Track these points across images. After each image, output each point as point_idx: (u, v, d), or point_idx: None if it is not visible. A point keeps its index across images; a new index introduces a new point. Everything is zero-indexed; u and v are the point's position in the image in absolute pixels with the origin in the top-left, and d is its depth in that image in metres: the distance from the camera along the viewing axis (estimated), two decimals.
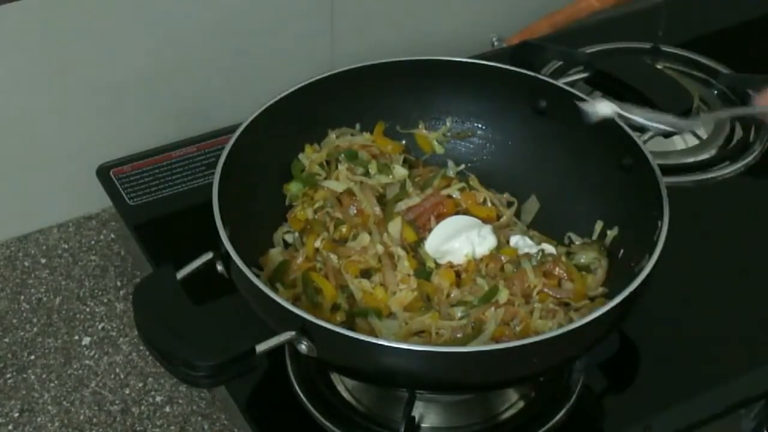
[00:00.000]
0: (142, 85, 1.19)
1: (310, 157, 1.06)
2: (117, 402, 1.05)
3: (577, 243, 1.03)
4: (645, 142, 1.00)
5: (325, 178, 1.05)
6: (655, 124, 0.98)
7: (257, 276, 0.91)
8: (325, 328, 0.84)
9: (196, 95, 1.23)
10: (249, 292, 0.89)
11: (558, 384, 0.99)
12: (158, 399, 1.05)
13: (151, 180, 1.18)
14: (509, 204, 1.06)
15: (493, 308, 0.94)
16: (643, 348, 1.04)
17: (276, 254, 1.00)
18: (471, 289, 0.97)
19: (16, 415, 1.04)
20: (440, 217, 1.03)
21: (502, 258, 0.99)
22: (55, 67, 1.13)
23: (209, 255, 0.91)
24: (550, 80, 1.08)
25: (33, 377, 1.07)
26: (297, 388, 0.99)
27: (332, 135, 1.07)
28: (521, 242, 1.01)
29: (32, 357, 1.08)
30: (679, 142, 1.25)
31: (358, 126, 1.09)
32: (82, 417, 1.03)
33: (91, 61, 1.15)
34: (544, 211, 1.06)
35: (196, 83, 1.22)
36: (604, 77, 1.10)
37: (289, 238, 1.03)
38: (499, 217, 1.05)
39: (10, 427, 1.03)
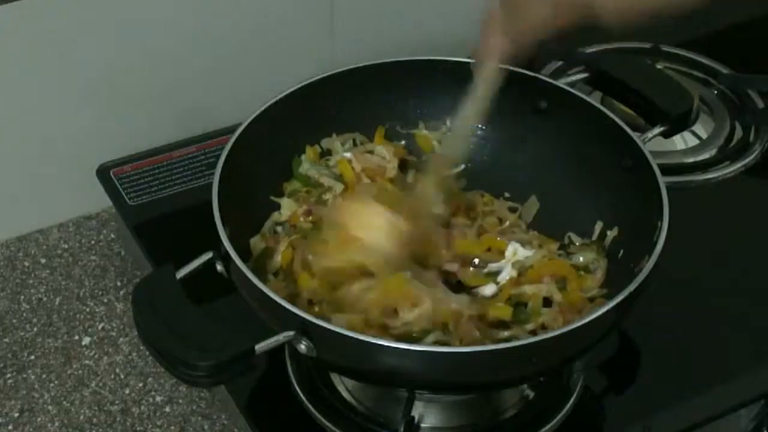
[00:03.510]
0: (142, 85, 1.19)
1: (309, 159, 1.06)
2: (117, 402, 1.05)
3: (577, 243, 1.03)
4: (645, 142, 1.00)
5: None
6: None
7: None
8: (325, 328, 0.84)
9: (196, 95, 1.23)
10: (249, 292, 0.89)
11: (558, 384, 0.99)
12: (158, 399, 1.05)
13: (151, 180, 1.18)
14: (511, 210, 1.06)
15: None
16: (643, 348, 1.04)
17: (257, 242, 1.00)
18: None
19: (16, 415, 1.04)
20: None
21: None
22: (55, 66, 1.13)
23: (209, 255, 0.91)
24: (550, 80, 1.08)
25: (33, 377, 1.07)
26: (297, 388, 0.99)
27: (335, 137, 1.08)
28: (520, 250, 1.01)
29: (32, 357, 1.08)
30: (679, 142, 1.25)
31: (357, 134, 1.09)
32: (82, 417, 1.03)
33: (91, 61, 1.15)
34: (544, 211, 1.06)
35: (196, 83, 1.22)
36: (604, 77, 1.10)
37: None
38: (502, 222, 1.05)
39: (10, 427, 1.03)
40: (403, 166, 1.08)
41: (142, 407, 1.04)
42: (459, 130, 1.03)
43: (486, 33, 0.98)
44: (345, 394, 0.99)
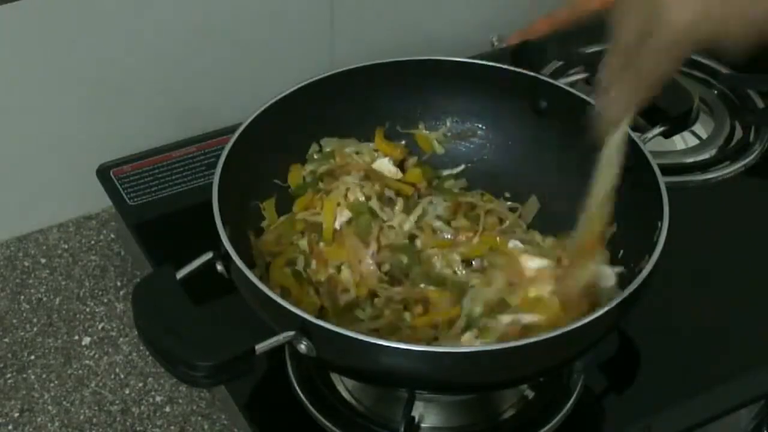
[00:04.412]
0: (142, 85, 1.19)
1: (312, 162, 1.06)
2: (117, 402, 1.05)
3: None
4: (645, 142, 1.00)
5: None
6: None
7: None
8: (325, 328, 0.84)
9: (196, 95, 1.23)
10: (249, 292, 0.89)
11: (558, 384, 0.99)
12: (158, 399, 1.05)
13: (151, 180, 1.18)
14: (511, 210, 1.06)
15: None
16: (643, 348, 1.04)
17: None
18: None
19: (16, 415, 1.04)
20: None
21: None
22: (55, 66, 1.13)
23: (209, 255, 0.91)
24: (550, 80, 1.08)
25: (33, 377, 1.07)
26: (297, 388, 0.99)
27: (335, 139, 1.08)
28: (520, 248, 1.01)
29: (32, 357, 1.08)
30: (679, 142, 1.25)
31: (353, 139, 1.09)
32: (82, 417, 1.03)
33: (91, 61, 1.15)
34: (544, 211, 1.06)
35: (196, 83, 1.22)
36: None
37: None
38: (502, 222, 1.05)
39: (10, 427, 1.03)
40: (403, 166, 1.08)
41: (142, 407, 1.04)
42: (593, 209, 0.92)
43: (609, 89, 0.86)
44: (345, 394, 0.99)
